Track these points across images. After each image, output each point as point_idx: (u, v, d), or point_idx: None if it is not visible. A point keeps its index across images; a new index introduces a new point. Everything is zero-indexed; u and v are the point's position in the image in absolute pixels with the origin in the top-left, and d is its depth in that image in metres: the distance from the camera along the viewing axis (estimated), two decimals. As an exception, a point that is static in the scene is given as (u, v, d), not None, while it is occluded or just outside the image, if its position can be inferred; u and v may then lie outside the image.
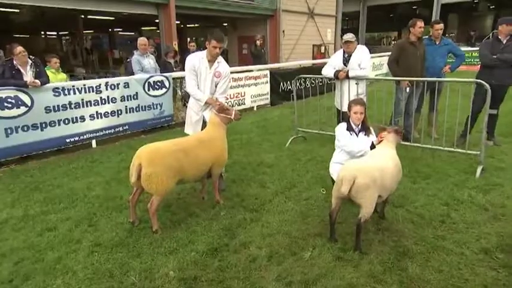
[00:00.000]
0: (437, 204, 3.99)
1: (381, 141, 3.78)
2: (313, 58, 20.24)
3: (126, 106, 6.85)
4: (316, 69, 11.90)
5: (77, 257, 3.17)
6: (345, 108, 5.94)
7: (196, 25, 25.93)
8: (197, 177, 3.92)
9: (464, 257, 3.03)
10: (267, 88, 10.36)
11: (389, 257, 3.05)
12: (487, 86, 4.67)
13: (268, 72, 10.36)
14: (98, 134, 6.57)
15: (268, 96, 10.46)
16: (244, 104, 9.70)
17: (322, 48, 21.71)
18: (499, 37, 5.73)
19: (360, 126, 4.18)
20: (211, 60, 4.30)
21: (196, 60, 4.27)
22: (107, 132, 6.69)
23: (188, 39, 19.84)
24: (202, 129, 4.44)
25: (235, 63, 17.98)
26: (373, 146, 3.92)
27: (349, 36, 5.54)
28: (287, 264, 3.02)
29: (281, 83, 10.84)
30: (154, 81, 7.19)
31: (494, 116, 5.65)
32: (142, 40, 7.25)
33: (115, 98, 6.67)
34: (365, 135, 4.18)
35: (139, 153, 3.42)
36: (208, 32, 4.31)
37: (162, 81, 7.32)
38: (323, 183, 4.67)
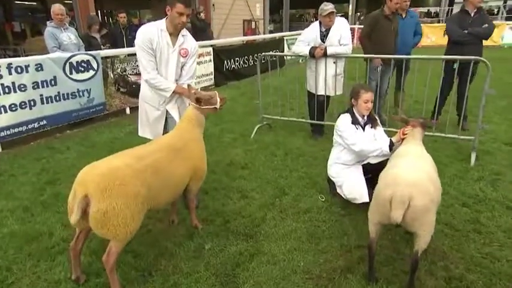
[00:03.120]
0: (458, 206, 3.41)
1: (404, 138, 3.02)
2: (244, 34, 19.18)
3: (41, 95, 5.20)
4: (257, 46, 11.07)
5: None
6: (320, 92, 5.13)
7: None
8: (170, 202, 2.78)
9: (538, 285, 2.43)
10: (210, 67, 9.15)
11: (452, 297, 2.33)
12: (489, 64, 4.16)
13: (211, 49, 9.11)
14: (2, 134, 4.88)
15: (213, 76, 9.27)
16: (188, 86, 8.38)
17: (253, 24, 20.71)
18: (467, 9, 5.30)
19: (365, 118, 3.40)
20: (174, 34, 3.08)
21: (153, 33, 3.00)
22: (17, 130, 5.02)
23: (113, 11, 17.23)
24: (164, 129, 3.27)
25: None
26: (391, 144, 3.16)
27: (330, 6, 4.57)
28: (328, 328, 2.13)
29: (225, 61, 9.70)
30: (78, 62, 5.57)
31: (466, 97, 5.19)
32: (57, 8, 5.50)
33: (24, 85, 4.98)
34: (371, 127, 3.42)
35: (83, 179, 2.17)
36: None
37: (88, 61, 5.72)
38: (315, 185, 3.86)
